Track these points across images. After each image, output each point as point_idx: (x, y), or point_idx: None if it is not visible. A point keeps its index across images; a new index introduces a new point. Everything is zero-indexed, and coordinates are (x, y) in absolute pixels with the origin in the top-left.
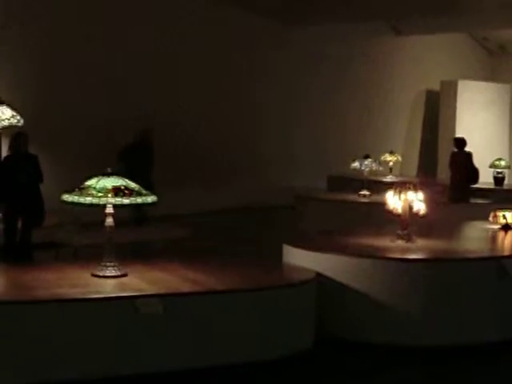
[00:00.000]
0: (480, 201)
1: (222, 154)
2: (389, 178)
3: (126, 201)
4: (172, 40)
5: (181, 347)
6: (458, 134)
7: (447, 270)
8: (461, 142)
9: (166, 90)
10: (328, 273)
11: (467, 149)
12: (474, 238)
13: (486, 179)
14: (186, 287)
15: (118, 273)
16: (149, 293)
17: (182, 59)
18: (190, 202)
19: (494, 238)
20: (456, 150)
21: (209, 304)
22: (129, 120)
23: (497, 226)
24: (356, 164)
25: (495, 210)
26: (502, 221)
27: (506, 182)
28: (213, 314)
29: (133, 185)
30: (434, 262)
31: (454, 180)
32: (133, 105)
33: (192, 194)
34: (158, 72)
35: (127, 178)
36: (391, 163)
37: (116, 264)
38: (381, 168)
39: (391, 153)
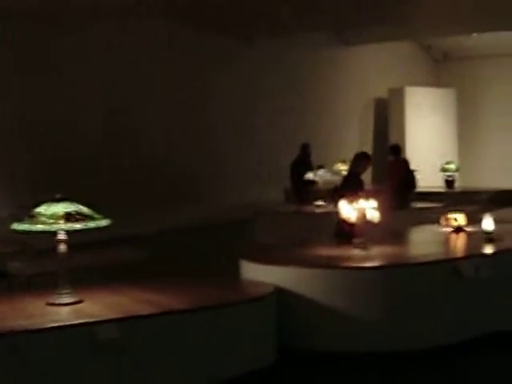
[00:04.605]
0: (426, 204)
1: (183, 172)
2: None
3: (77, 226)
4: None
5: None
6: (407, 140)
7: (405, 275)
8: (396, 149)
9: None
10: (286, 285)
11: (420, 152)
12: (427, 241)
13: (436, 183)
14: (142, 309)
15: (73, 299)
16: (105, 318)
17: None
18: (147, 221)
19: (447, 241)
20: (392, 157)
21: (168, 324)
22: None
23: (449, 229)
24: (310, 175)
25: (446, 212)
26: (454, 223)
27: (456, 184)
28: (172, 334)
29: (85, 209)
30: (391, 268)
31: (393, 187)
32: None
33: (150, 214)
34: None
35: None
36: (344, 172)
37: (71, 291)
38: (335, 177)
39: (343, 162)
